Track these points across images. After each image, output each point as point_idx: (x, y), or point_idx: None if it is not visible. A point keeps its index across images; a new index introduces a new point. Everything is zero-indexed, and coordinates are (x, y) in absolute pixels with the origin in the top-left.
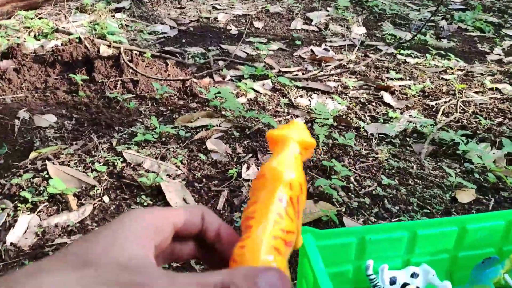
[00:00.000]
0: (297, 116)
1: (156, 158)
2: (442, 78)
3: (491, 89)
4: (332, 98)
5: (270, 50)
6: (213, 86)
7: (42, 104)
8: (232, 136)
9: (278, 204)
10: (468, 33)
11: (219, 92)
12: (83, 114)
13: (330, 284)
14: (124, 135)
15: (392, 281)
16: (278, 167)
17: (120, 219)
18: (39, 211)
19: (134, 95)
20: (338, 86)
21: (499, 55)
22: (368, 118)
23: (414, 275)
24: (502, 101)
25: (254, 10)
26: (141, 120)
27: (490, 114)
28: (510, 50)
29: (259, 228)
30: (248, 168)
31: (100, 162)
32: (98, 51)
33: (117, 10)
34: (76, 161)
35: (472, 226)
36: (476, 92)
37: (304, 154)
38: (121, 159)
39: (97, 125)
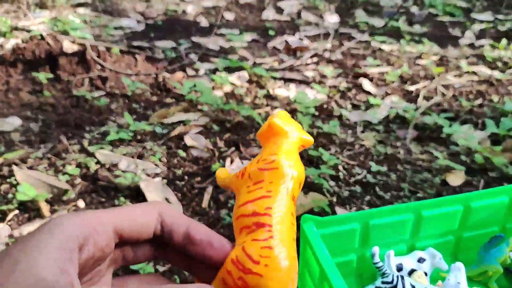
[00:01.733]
0: (276, 107)
1: (133, 157)
2: (418, 64)
3: (468, 72)
4: (311, 87)
5: (243, 41)
6: (187, 80)
7: (5, 107)
8: (212, 131)
9: (292, 203)
10: (439, 19)
11: (194, 86)
12: (50, 115)
13: (339, 275)
14: (95, 135)
15: (399, 268)
16: (292, 164)
17: (36, 231)
18: (9, 220)
19: (104, 93)
20: (315, 75)
21: (471, 38)
22: (349, 106)
23: (420, 260)
24: (480, 83)
25: (224, 1)
26: (113, 118)
27: (470, 96)
28: (481, 33)
29: (282, 229)
30: (232, 162)
31: (71, 165)
32: (62, 47)
33: (79, 5)
34: (45, 165)
35: (477, 204)
36: (454, 76)
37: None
38: (95, 160)
39: (65, 126)
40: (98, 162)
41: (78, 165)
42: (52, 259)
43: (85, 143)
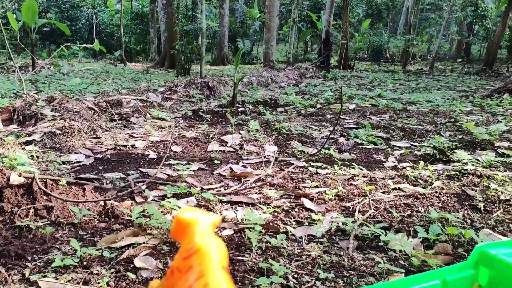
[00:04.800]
0: (224, 228)
1: (78, 283)
2: (351, 184)
3: (395, 188)
4: (257, 208)
5: (190, 170)
6: (137, 206)
7: None
8: (162, 251)
9: (225, 272)
10: (364, 146)
11: (143, 211)
12: None
13: None
14: (38, 264)
15: None
16: (210, 241)
17: None
18: None
19: (49, 222)
20: (260, 197)
21: (394, 162)
22: (293, 223)
23: None
24: (406, 198)
25: (171, 137)
26: (57, 246)
27: (399, 208)
28: (401, 158)
29: None
30: None
31: None
32: (8, 179)
33: (28, 142)
34: None
35: None
36: (383, 192)
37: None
38: None
39: (5, 257)
40: None
41: None
42: None
43: (27, 272)
